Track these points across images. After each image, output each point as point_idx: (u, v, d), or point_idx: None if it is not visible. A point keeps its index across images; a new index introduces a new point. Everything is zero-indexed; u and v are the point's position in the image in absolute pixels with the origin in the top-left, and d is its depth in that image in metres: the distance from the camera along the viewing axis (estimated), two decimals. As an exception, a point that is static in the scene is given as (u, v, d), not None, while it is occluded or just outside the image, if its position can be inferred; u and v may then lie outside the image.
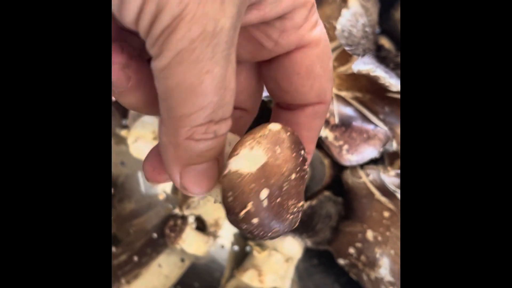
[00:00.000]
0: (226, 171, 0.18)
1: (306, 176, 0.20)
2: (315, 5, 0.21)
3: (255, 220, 0.18)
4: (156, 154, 0.22)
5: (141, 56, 0.19)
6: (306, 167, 0.20)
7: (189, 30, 0.15)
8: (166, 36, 0.15)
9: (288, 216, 0.19)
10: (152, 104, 0.19)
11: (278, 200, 0.18)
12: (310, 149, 0.23)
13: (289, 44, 0.21)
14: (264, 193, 0.18)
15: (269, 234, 0.19)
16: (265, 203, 0.18)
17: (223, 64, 0.16)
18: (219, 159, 0.19)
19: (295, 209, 0.19)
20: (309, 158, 0.23)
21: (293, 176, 0.19)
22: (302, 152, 0.20)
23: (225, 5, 0.16)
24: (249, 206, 0.18)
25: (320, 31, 0.21)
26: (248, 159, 0.18)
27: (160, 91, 0.17)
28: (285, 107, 0.23)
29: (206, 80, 0.16)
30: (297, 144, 0.19)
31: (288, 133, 0.19)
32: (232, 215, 0.18)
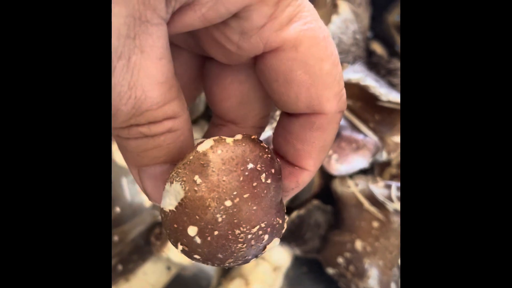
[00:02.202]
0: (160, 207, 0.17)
1: (266, 191, 0.17)
2: None
3: (197, 256, 0.17)
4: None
5: None
6: (262, 180, 0.17)
7: None
8: None
9: (240, 245, 0.17)
10: None
11: (216, 233, 0.16)
12: (306, 164, 0.20)
13: (253, 47, 0.18)
14: (193, 231, 0.16)
15: (226, 264, 0.17)
16: (197, 240, 0.16)
17: (119, 74, 0.15)
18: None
19: (250, 235, 0.17)
20: (306, 176, 0.20)
21: (229, 203, 0.16)
22: (251, 165, 0.17)
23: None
24: (180, 246, 0.17)
25: (297, 29, 0.18)
26: (169, 194, 0.17)
27: None
28: (286, 112, 0.20)
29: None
30: (236, 159, 0.17)
31: (220, 151, 0.16)
32: (177, 248, 0.17)
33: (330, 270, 0.47)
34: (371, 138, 0.39)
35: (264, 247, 0.18)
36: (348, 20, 0.38)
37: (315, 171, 0.20)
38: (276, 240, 0.19)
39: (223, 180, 0.16)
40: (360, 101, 0.42)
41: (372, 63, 0.43)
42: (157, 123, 0.16)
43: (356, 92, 0.42)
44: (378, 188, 0.40)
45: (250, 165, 0.17)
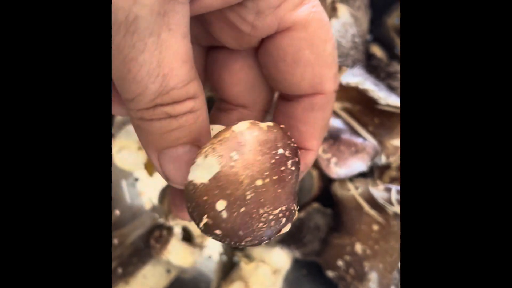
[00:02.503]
0: (186, 181, 0.17)
1: (290, 177, 0.18)
2: None
3: (218, 232, 0.17)
4: (172, 191, 0.22)
5: None
6: (288, 166, 0.18)
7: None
8: None
9: (261, 225, 0.18)
10: None
11: (242, 209, 0.17)
12: (311, 145, 0.21)
13: (267, 27, 0.19)
14: (221, 205, 0.17)
15: (243, 243, 0.18)
16: (224, 214, 0.17)
17: (151, 51, 0.16)
18: (200, 145, 0.18)
19: (271, 217, 0.18)
20: (312, 156, 0.21)
21: (260, 182, 0.17)
22: (280, 150, 0.18)
23: None
24: (205, 219, 0.17)
25: (307, 10, 0.19)
26: (202, 168, 0.17)
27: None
28: (284, 97, 0.21)
29: (133, 68, 0.16)
30: (269, 143, 0.17)
31: (256, 133, 0.17)
32: (197, 225, 0.18)
33: (330, 273, 0.47)
34: (370, 141, 0.39)
35: (279, 230, 0.19)
36: (347, 23, 0.38)
37: (318, 151, 0.22)
38: (289, 225, 0.19)
39: (257, 160, 0.17)
40: (359, 104, 0.42)
41: (372, 66, 0.43)
42: (181, 103, 0.17)
43: (355, 96, 0.42)
44: (378, 191, 0.40)
45: (280, 150, 0.18)
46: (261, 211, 0.17)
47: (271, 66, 0.20)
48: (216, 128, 0.20)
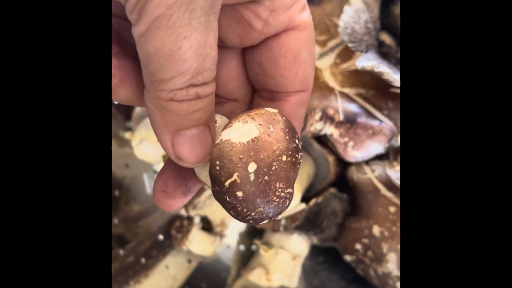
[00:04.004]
0: (217, 141, 0.18)
1: (298, 166, 0.20)
2: None
3: (239, 193, 0.18)
4: (164, 177, 0.22)
5: (122, 53, 0.19)
6: (299, 156, 0.19)
7: None
8: (143, 2, 0.16)
9: (275, 198, 0.19)
10: (142, 97, 0.19)
11: (266, 178, 0.18)
12: None
13: (279, 24, 0.21)
14: (252, 167, 0.18)
15: (252, 214, 0.18)
16: (251, 177, 0.18)
17: (201, 30, 0.16)
18: (210, 126, 0.19)
19: (283, 194, 0.19)
20: None
21: (284, 158, 0.18)
22: (297, 141, 0.19)
23: None
24: (235, 176, 0.18)
25: (308, 15, 0.21)
26: (241, 131, 0.18)
27: (141, 57, 0.17)
28: (268, 98, 0.23)
29: (184, 46, 0.16)
30: (292, 131, 0.19)
31: (284, 118, 0.19)
32: (217, 185, 0.18)
33: (348, 257, 0.48)
34: (387, 123, 0.40)
35: (281, 212, 0.20)
36: (360, 10, 0.39)
37: None
38: (286, 212, 0.20)
39: (286, 138, 0.19)
40: (373, 89, 0.42)
41: (382, 53, 0.44)
42: (207, 84, 0.18)
43: (368, 81, 0.42)
44: (395, 172, 0.41)
45: (297, 141, 0.19)
46: (278, 185, 0.19)
47: (270, 63, 0.22)
48: (218, 117, 0.21)
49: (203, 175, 0.20)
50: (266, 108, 0.19)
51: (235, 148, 0.18)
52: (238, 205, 0.18)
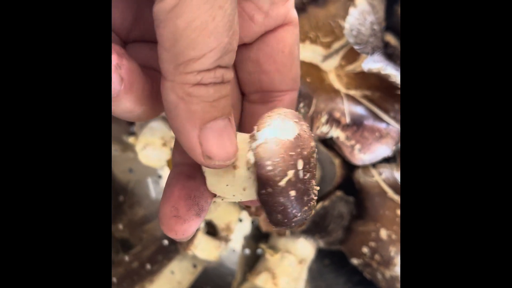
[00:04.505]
0: (260, 141, 0.17)
1: (314, 171, 0.19)
2: None
3: (292, 193, 0.17)
4: (172, 200, 0.20)
5: (127, 55, 0.18)
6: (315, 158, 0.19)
7: None
8: None
9: (313, 196, 0.18)
10: (146, 106, 0.18)
11: (308, 175, 0.17)
12: None
13: (278, 17, 0.21)
14: (300, 164, 0.17)
15: (299, 215, 0.18)
16: (301, 173, 0.17)
17: (231, 2, 0.16)
18: (231, 119, 0.18)
19: (315, 191, 0.18)
20: None
21: (315, 155, 0.18)
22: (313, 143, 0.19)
23: None
24: (290, 174, 0.17)
25: (295, 12, 0.22)
26: (282, 128, 0.17)
27: (166, 36, 0.16)
28: (259, 101, 0.23)
29: (218, 16, 0.16)
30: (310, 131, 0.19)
31: (304, 122, 0.19)
32: (270, 187, 0.17)
33: (355, 261, 0.47)
34: (394, 126, 0.39)
35: (311, 212, 0.19)
36: (365, 11, 0.39)
37: None
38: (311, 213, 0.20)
39: (312, 136, 0.18)
40: (379, 91, 0.42)
41: (387, 54, 0.44)
42: (229, 69, 0.18)
43: (374, 83, 0.42)
44: (403, 175, 0.40)
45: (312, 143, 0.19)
46: (313, 182, 0.18)
47: (267, 58, 0.22)
48: None
49: (222, 185, 0.19)
50: (282, 108, 0.19)
51: (285, 146, 0.17)
52: (289, 206, 0.17)
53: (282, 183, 0.17)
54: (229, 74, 0.18)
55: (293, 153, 0.17)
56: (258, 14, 0.20)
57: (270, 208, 0.17)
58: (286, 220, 0.18)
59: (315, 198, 0.18)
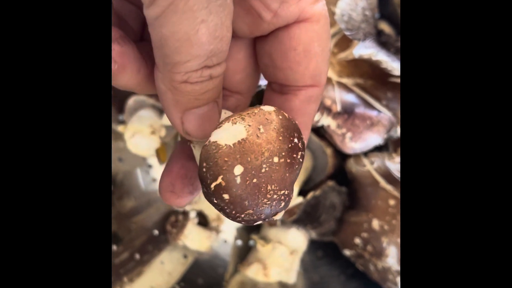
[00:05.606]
0: (208, 141, 0.18)
1: (297, 166, 0.19)
2: None
3: (226, 196, 0.18)
4: (171, 178, 0.22)
5: (123, 38, 0.19)
6: (298, 155, 0.19)
7: None
8: None
9: (265, 201, 0.18)
10: (144, 83, 0.19)
11: (254, 180, 0.18)
12: (304, 135, 0.23)
13: (289, 16, 0.20)
14: (239, 169, 0.17)
15: (242, 216, 0.18)
16: (238, 180, 0.17)
17: (218, 13, 0.16)
18: (218, 102, 0.19)
19: (276, 196, 0.18)
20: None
21: (276, 159, 0.18)
22: (295, 140, 0.19)
23: None
24: (220, 179, 0.17)
25: (322, 7, 0.20)
26: (228, 132, 0.18)
27: (154, 39, 0.17)
28: (278, 91, 0.22)
29: (201, 30, 0.16)
30: (289, 130, 0.19)
31: (280, 117, 0.19)
32: (204, 187, 0.18)
33: (347, 252, 0.47)
34: (385, 113, 0.38)
35: (276, 213, 0.19)
36: (357, -4, 0.38)
37: (307, 140, 0.23)
38: (282, 213, 0.20)
39: (279, 139, 0.18)
40: (371, 79, 0.41)
41: (381, 42, 0.43)
42: (220, 65, 0.18)
43: (366, 70, 0.41)
44: (395, 164, 0.40)
45: (295, 140, 0.19)
46: (269, 187, 0.18)
47: (280, 55, 0.21)
48: (223, 112, 0.21)
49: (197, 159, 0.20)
50: (261, 107, 0.19)
51: (221, 151, 0.17)
52: (225, 207, 0.18)
53: (212, 186, 0.17)
54: (218, 70, 0.18)
55: (227, 159, 0.17)
56: (266, 12, 0.20)
57: (210, 203, 0.19)
58: (230, 218, 0.19)
59: (277, 203, 0.19)
